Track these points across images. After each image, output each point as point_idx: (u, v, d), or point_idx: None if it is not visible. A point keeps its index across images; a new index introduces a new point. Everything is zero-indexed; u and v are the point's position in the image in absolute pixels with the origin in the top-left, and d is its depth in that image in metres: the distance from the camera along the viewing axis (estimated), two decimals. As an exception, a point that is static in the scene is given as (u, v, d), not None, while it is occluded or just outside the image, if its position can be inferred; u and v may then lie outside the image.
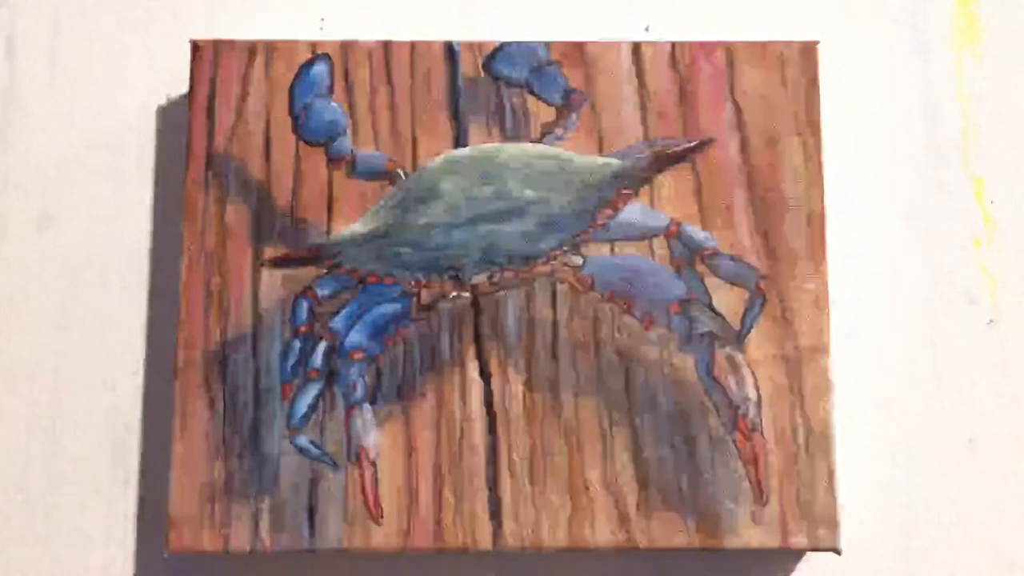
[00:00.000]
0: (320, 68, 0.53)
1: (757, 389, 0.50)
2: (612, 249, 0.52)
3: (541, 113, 0.53)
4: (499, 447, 0.50)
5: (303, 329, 0.51)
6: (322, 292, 0.51)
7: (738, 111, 0.53)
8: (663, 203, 0.52)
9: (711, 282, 0.51)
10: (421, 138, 0.53)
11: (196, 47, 0.53)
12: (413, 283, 0.51)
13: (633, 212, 0.52)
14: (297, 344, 0.51)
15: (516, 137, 0.53)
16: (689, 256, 0.51)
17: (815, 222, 0.52)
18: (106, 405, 0.53)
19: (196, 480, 0.49)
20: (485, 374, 0.51)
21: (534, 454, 0.50)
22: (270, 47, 0.53)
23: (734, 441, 0.49)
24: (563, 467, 0.50)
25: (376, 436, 0.50)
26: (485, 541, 0.49)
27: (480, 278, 0.51)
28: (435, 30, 0.56)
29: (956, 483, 0.53)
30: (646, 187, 0.52)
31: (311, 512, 0.49)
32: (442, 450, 0.50)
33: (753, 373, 0.50)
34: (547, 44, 0.53)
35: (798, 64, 0.53)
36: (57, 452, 0.53)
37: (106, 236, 0.54)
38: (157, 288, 0.54)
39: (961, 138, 0.56)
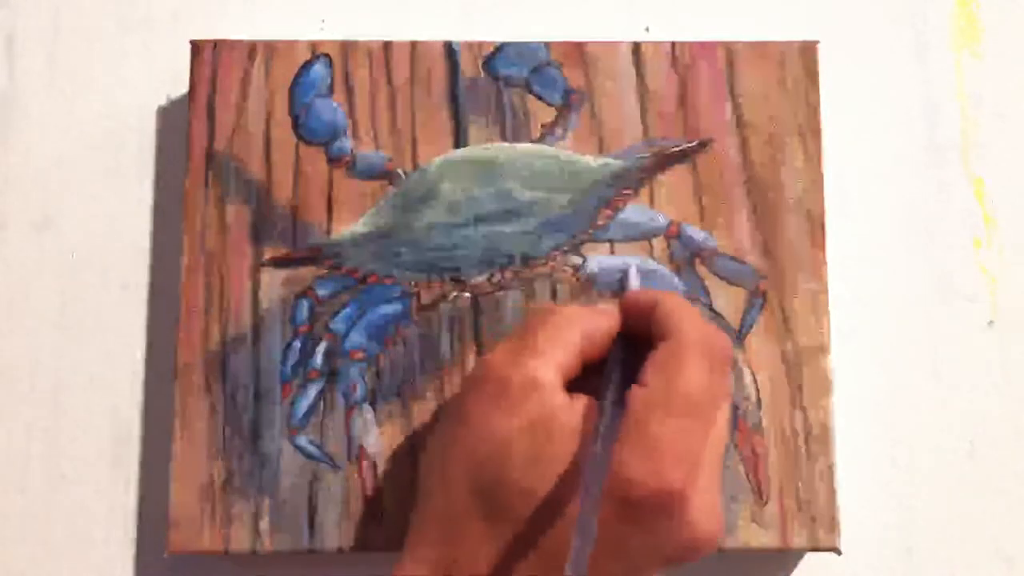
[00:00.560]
0: (320, 68, 0.53)
1: (757, 389, 0.50)
2: (612, 249, 0.52)
3: (541, 113, 0.53)
4: (499, 447, 0.50)
5: (303, 329, 0.51)
6: (322, 292, 0.51)
7: (738, 111, 0.53)
8: (663, 203, 0.52)
9: (711, 282, 0.51)
10: (421, 138, 0.53)
11: (196, 47, 0.53)
12: (413, 283, 0.51)
13: (633, 212, 0.52)
14: (297, 344, 0.51)
15: (516, 137, 0.53)
16: (689, 256, 0.51)
17: (815, 222, 0.52)
18: (106, 405, 0.53)
19: (196, 480, 0.49)
20: (485, 374, 0.50)
21: (534, 454, 0.50)
22: (270, 47, 0.53)
23: (734, 441, 0.49)
24: (563, 467, 0.50)
25: (376, 436, 0.50)
26: (485, 541, 0.49)
27: (480, 278, 0.51)
28: (435, 30, 0.56)
29: (956, 483, 0.53)
30: (646, 187, 0.52)
31: (311, 512, 0.49)
32: (442, 450, 0.50)
33: (753, 373, 0.50)
34: (547, 44, 0.53)
35: (798, 64, 0.53)
36: (57, 452, 0.53)
37: (106, 236, 0.54)
38: (157, 288, 0.54)
39: (961, 138, 0.56)
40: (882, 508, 0.52)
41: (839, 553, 0.49)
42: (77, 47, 0.56)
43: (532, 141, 0.53)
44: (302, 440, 0.50)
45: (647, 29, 0.57)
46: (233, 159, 0.52)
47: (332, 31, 0.56)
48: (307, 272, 0.51)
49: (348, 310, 0.51)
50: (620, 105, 0.53)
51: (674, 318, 0.42)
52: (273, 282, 0.51)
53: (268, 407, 0.50)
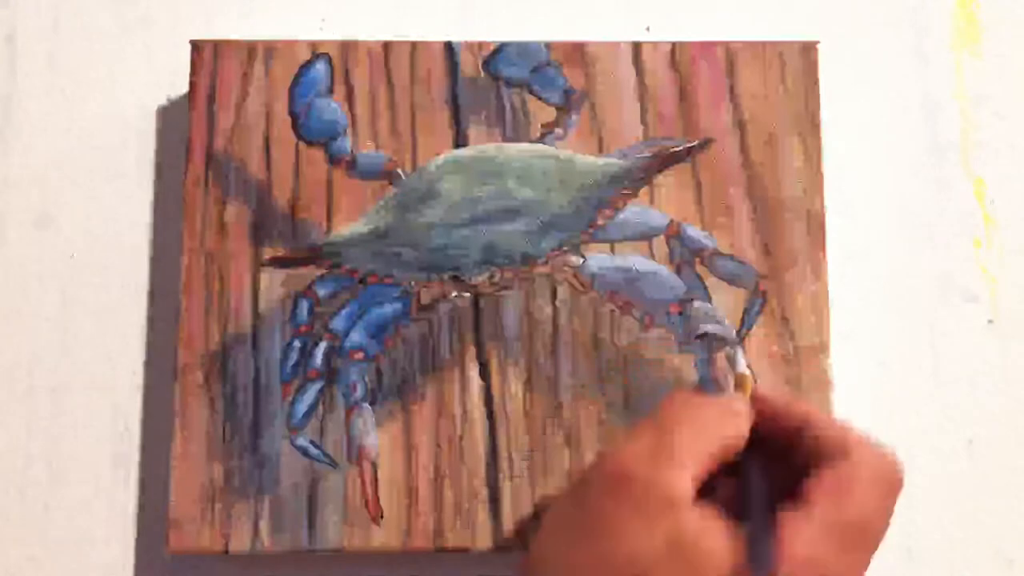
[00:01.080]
0: (320, 68, 0.53)
1: (757, 389, 0.50)
2: (612, 249, 0.52)
3: (541, 113, 0.53)
4: (499, 447, 0.50)
5: (303, 329, 0.51)
6: (322, 292, 0.51)
7: (738, 111, 0.53)
8: (663, 203, 0.52)
9: (711, 282, 0.51)
10: (421, 138, 0.53)
11: (196, 47, 0.53)
12: (413, 283, 0.51)
13: (633, 212, 0.52)
14: (297, 344, 0.51)
15: (516, 137, 0.53)
16: (689, 256, 0.51)
17: (815, 222, 0.52)
18: (106, 405, 0.53)
19: (196, 480, 0.49)
20: (485, 374, 0.51)
21: (534, 454, 0.50)
22: (270, 47, 0.53)
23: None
24: (563, 467, 0.50)
25: (376, 436, 0.50)
26: (485, 541, 0.49)
27: (480, 278, 0.51)
28: (435, 30, 0.56)
29: (956, 483, 0.53)
30: (646, 187, 0.52)
31: (311, 512, 0.49)
32: (442, 450, 0.50)
33: (753, 373, 0.50)
34: (547, 44, 0.53)
35: (798, 64, 0.53)
36: (57, 452, 0.53)
37: (106, 236, 0.54)
38: (157, 288, 0.54)
39: (961, 138, 0.56)
40: (882, 508, 0.52)
41: (839, 553, 0.49)
42: (77, 47, 0.56)
43: (532, 141, 0.53)
44: (302, 440, 0.50)
45: (647, 29, 0.57)
46: (233, 159, 0.52)
47: (332, 31, 0.56)
48: (307, 272, 0.51)
49: (348, 310, 0.51)
50: (620, 105, 0.53)
51: (844, 435, 0.39)
52: (273, 282, 0.51)
53: (268, 407, 0.50)
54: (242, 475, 0.49)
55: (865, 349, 0.54)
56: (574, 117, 0.53)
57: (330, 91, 0.53)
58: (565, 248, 0.51)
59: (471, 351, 0.51)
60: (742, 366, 0.48)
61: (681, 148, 0.52)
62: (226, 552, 0.49)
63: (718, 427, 0.40)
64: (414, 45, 0.53)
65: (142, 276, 0.54)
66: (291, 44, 0.53)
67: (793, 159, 0.52)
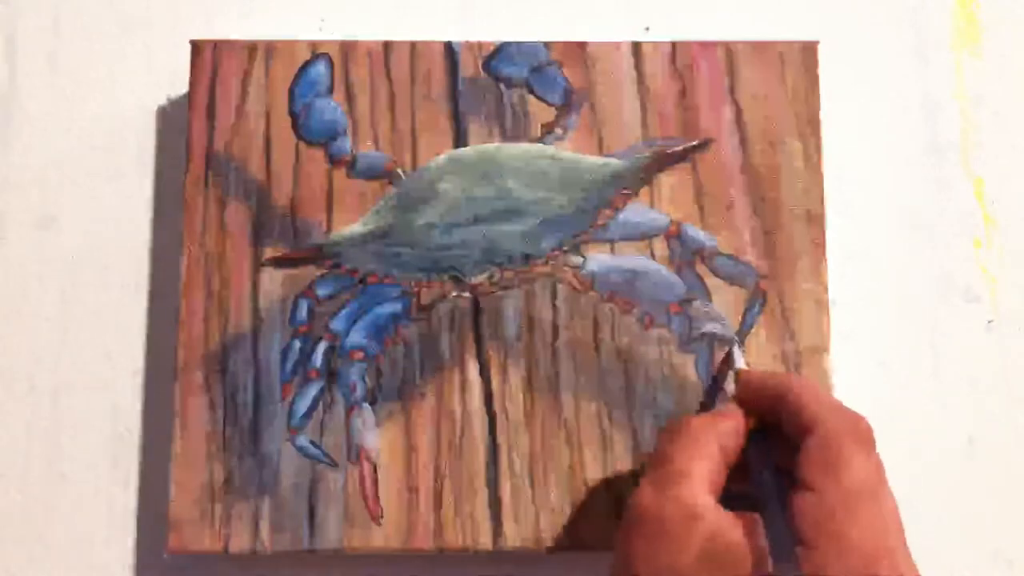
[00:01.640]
0: (320, 68, 0.53)
1: (757, 389, 0.50)
2: (612, 249, 0.52)
3: (541, 113, 0.53)
4: (499, 447, 0.50)
5: (303, 329, 0.51)
6: (322, 292, 0.51)
7: (738, 111, 0.53)
8: (663, 203, 0.52)
9: (711, 282, 0.51)
10: (421, 138, 0.53)
11: (196, 47, 0.53)
12: (413, 283, 0.51)
13: (633, 212, 0.52)
14: (297, 344, 0.51)
15: (516, 137, 0.53)
16: (689, 256, 0.51)
17: (815, 222, 0.52)
18: (106, 405, 0.53)
19: (196, 480, 0.49)
20: (485, 374, 0.51)
21: (534, 454, 0.50)
22: (270, 47, 0.53)
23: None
24: (563, 467, 0.50)
25: (376, 436, 0.50)
26: (485, 541, 0.49)
27: (480, 278, 0.51)
28: (435, 30, 0.56)
29: (956, 483, 0.53)
30: (646, 187, 0.52)
31: (311, 512, 0.49)
32: (442, 450, 0.50)
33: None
34: (547, 44, 0.53)
35: (798, 64, 0.53)
36: (57, 452, 0.53)
37: (106, 236, 0.54)
38: (157, 288, 0.54)
39: (961, 138, 0.56)
40: (882, 508, 0.52)
41: (839, 553, 0.49)
42: (77, 47, 0.56)
43: (532, 141, 0.53)
44: (302, 440, 0.50)
45: (647, 29, 0.57)
46: (233, 159, 0.52)
47: (332, 31, 0.56)
48: (307, 272, 0.51)
49: (348, 310, 0.51)
50: (620, 105, 0.53)
51: (811, 408, 0.41)
52: (273, 282, 0.51)
53: (268, 407, 0.50)
54: (242, 475, 0.49)
55: (865, 349, 0.54)
56: (574, 117, 0.53)
57: (330, 91, 0.53)
58: (565, 248, 0.51)
59: (471, 351, 0.51)
60: (741, 363, 0.48)
61: (681, 148, 0.52)
62: (226, 552, 0.49)
63: (712, 431, 0.42)
64: (414, 45, 0.53)
65: (142, 276, 0.54)
66: (291, 44, 0.53)
67: (793, 159, 0.52)
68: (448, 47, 0.53)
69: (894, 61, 0.57)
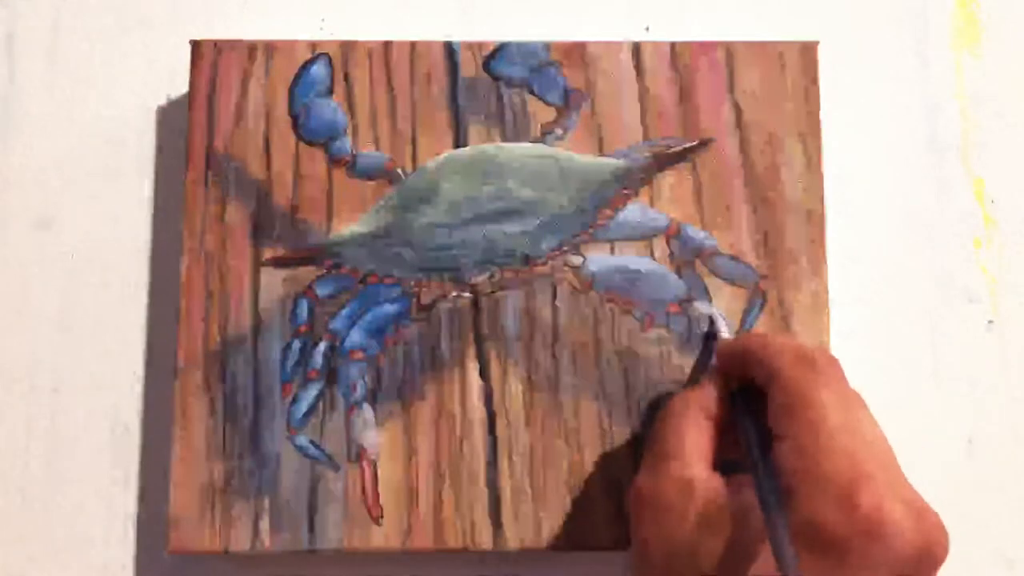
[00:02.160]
0: (320, 68, 0.53)
1: (757, 389, 0.50)
2: (612, 249, 0.52)
3: (541, 113, 0.53)
4: (499, 447, 0.50)
5: (303, 329, 0.51)
6: (322, 292, 0.51)
7: (738, 111, 0.53)
8: (663, 203, 0.52)
9: (711, 282, 0.51)
10: (421, 138, 0.53)
11: (196, 47, 0.53)
12: (413, 283, 0.51)
13: (633, 212, 0.52)
14: (297, 344, 0.51)
15: (516, 137, 0.53)
16: (689, 256, 0.51)
17: (815, 222, 0.52)
18: (106, 405, 0.53)
19: (196, 480, 0.49)
20: (485, 374, 0.51)
21: (534, 454, 0.50)
22: (270, 47, 0.53)
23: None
24: (563, 467, 0.50)
25: (376, 436, 0.50)
26: (485, 541, 0.49)
27: (480, 278, 0.51)
28: (435, 30, 0.56)
29: (956, 483, 0.53)
30: (646, 187, 0.52)
31: (311, 512, 0.49)
32: (442, 450, 0.50)
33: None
34: (547, 44, 0.53)
35: (798, 64, 0.53)
36: (57, 452, 0.53)
37: (106, 236, 0.54)
38: (157, 288, 0.54)
39: (961, 138, 0.56)
40: (882, 508, 0.52)
41: (839, 553, 0.49)
42: (77, 47, 0.56)
43: (532, 141, 0.53)
44: (302, 440, 0.50)
45: (647, 29, 0.57)
46: (233, 159, 0.52)
47: (332, 31, 0.56)
48: (307, 272, 0.51)
49: (348, 310, 0.51)
50: (620, 105, 0.53)
51: (767, 357, 0.42)
52: (273, 282, 0.51)
53: (268, 407, 0.50)
54: (242, 475, 0.49)
55: (865, 349, 0.54)
56: (574, 117, 0.53)
57: (330, 91, 0.53)
58: (565, 248, 0.51)
59: (471, 351, 0.51)
60: (725, 333, 0.48)
61: (681, 148, 0.52)
62: (226, 552, 0.49)
63: (692, 404, 0.44)
64: (414, 45, 0.53)
65: (142, 276, 0.54)
66: (291, 44, 0.53)
67: (793, 159, 0.52)
68: (448, 47, 0.53)
69: (894, 61, 0.57)
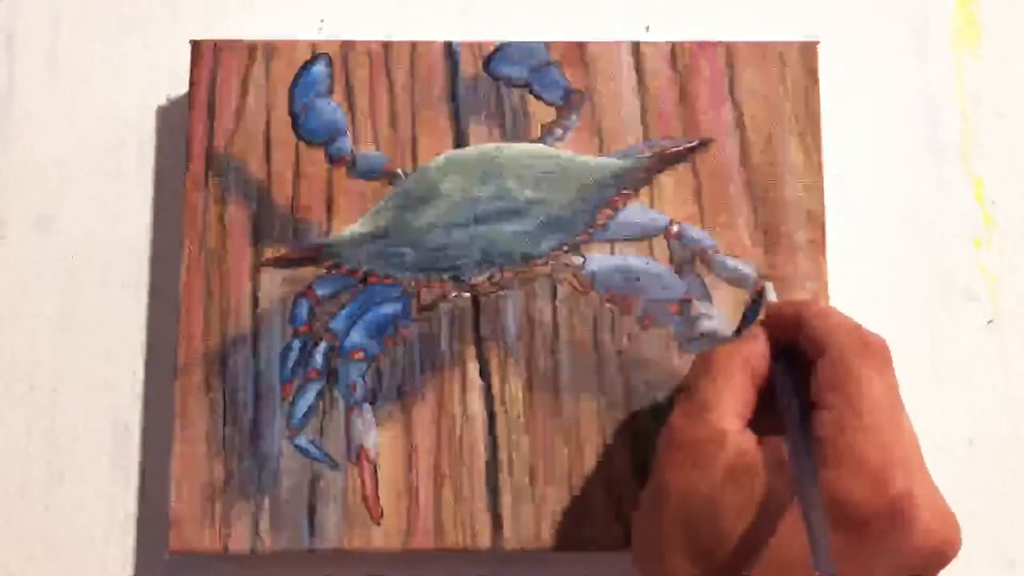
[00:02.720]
0: (320, 68, 0.53)
1: (757, 389, 0.50)
2: (612, 249, 0.52)
3: (541, 113, 0.53)
4: (499, 447, 0.50)
5: (303, 329, 0.51)
6: (322, 292, 0.51)
7: (738, 111, 0.53)
8: (663, 203, 0.52)
9: (711, 282, 0.51)
10: (421, 138, 0.53)
11: (196, 47, 0.53)
12: (413, 283, 0.51)
13: (633, 212, 0.52)
14: (297, 344, 0.51)
15: (516, 137, 0.53)
16: (689, 256, 0.51)
17: (815, 222, 0.52)
18: (106, 405, 0.53)
19: (196, 480, 0.49)
20: (485, 374, 0.51)
21: (534, 454, 0.50)
22: (270, 47, 0.53)
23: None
24: (563, 467, 0.50)
25: (376, 436, 0.50)
26: (485, 541, 0.49)
27: (480, 278, 0.51)
28: (435, 30, 0.56)
29: (956, 483, 0.53)
30: (646, 187, 0.52)
31: (311, 512, 0.49)
32: (442, 450, 0.50)
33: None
34: (547, 44, 0.53)
35: (798, 64, 0.53)
36: (57, 452, 0.53)
37: (106, 236, 0.54)
38: (157, 288, 0.54)
39: (961, 138, 0.56)
40: (882, 508, 0.52)
41: (839, 553, 0.49)
42: (77, 47, 0.56)
43: (532, 141, 0.53)
44: (302, 440, 0.50)
45: (647, 29, 0.57)
46: (233, 159, 0.52)
47: (332, 31, 0.56)
48: (307, 272, 0.51)
49: (348, 310, 0.51)
50: (620, 105, 0.53)
51: (823, 329, 0.42)
52: (273, 282, 0.51)
53: (268, 407, 0.50)
54: (242, 475, 0.49)
55: (865, 349, 0.53)
56: (574, 117, 0.53)
57: (330, 91, 0.53)
58: (565, 248, 0.51)
59: (471, 351, 0.51)
60: (772, 297, 0.47)
61: (681, 148, 0.52)
62: (226, 552, 0.49)
63: (737, 357, 0.43)
64: (414, 45, 0.53)
65: (142, 276, 0.54)
66: (291, 44, 0.53)
67: (793, 159, 0.52)
68: (448, 47, 0.53)
69: (894, 61, 0.57)
